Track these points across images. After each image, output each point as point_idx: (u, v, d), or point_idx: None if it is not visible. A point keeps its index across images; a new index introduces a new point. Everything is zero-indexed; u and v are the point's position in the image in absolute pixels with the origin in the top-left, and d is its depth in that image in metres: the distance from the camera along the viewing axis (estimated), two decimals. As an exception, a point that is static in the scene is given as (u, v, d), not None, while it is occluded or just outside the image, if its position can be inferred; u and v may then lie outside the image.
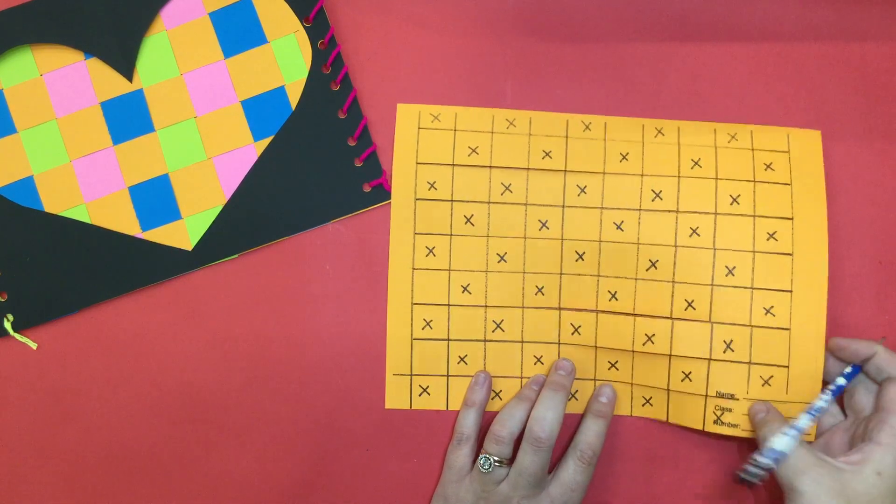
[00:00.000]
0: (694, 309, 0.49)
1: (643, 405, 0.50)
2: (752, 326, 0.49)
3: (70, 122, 0.50)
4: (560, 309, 0.50)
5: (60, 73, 0.50)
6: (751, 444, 0.48)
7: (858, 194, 0.50)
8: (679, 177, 0.50)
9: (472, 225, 0.50)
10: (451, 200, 0.50)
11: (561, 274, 0.50)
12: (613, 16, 0.51)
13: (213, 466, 0.50)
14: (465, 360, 0.50)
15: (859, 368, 0.47)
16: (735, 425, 0.48)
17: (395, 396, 0.50)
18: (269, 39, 0.51)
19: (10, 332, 0.50)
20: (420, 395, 0.50)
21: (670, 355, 0.49)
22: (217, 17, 0.50)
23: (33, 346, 0.50)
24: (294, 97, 0.50)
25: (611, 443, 0.50)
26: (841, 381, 0.47)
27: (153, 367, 0.50)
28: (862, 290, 0.50)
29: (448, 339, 0.50)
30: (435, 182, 0.50)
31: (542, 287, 0.50)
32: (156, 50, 0.50)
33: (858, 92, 0.51)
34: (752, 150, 0.50)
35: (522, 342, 0.50)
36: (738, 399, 0.48)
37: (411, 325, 0.50)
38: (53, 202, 0.50)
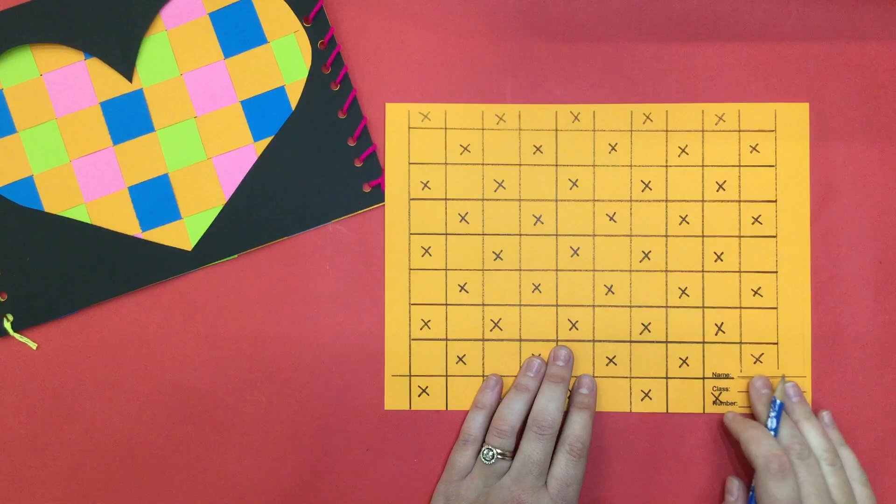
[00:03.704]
0: (688, 296, 0.50)
1: (642, 399, 0.50)
2: (742, 308, 0.50)
3: (70, 122, 0.50)
4: (557, 306, 0.50)
5: (60, 73, 0.50)
6: None
7: (858, 194, 0.50)
8: (667, 166, 0.51)
9: (467, 223, 0.50)
10: (445, 199, 0.51)
11: (557, 270, 0.50)
12: (613, 15, 0.51)
13: (213, 466, 0.50)
14: (463, 359, 0.50)
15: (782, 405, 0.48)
16: (732, 403, 0.50)
17: (395, 397, 0.50)
18: (269, 39, 0.51)
19: (10, 332, 0.50)
20: (419, 396, 0.50)
21: (667, 342, 0.50)
22: (217, 17, 0.50)
23: (33, 346, 0.50)
24: (294, 97, 0.51)
25: (611, 442, 0.50)
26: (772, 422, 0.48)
27: (153, 367, 0.50)
28: (862, 290, 0.50)
29: (446, 339, 0.50)
30: (428, 182, 0.51)
31: (539, 284, 0.50)
32: (156, 50, 0.50)
33: (858, 92, 0.51)
34: (739, 131, 0.51)
35: (521, 340, 0.50)
36: (733, 378, 0.50)
37: (409, 325, 0.50)
38: (53, 202, 0.50)
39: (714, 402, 0.50)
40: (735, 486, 0.49)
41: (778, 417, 0.48)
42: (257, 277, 0.51)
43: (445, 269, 0.51)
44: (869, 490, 0.48)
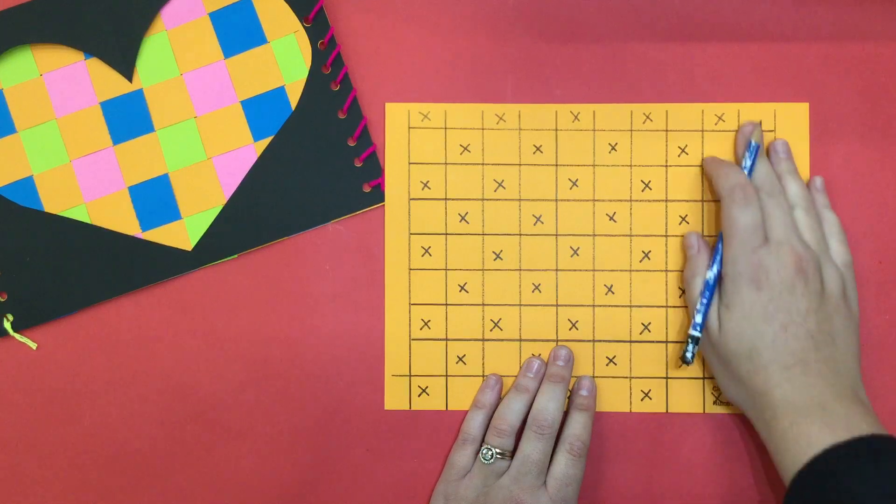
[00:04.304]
0: None
1: (642, 399, 0.50)
2: None
3: (70, 122, 0.50)
4: (557, 305, 0.50)
5: (60, 73, 0.50)
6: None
7: (858, 194, 0.50)
8: (667, 166, 0.51)
9: (467, 223, 0.50)
10: (445, 199, 0.51)
11: (557, 270, 0.50)
12: (613, 15, 0.51)
13: (213, 466, 0.50)
14: (463, 359, 0.50)
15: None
16: None
17: (395, 397, 0.50)
18: (269, 39, 0.51)
19: (10, 332, 0.50)
20: (419, 396, 0.50)
21: (667, 342, 0.50)
22: (217, 17, 0.50)
23: (33, 346, 0.50)
24: (294, 97, 0.51)
25: (611, 442, 0.50)
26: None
27: (153, 367, 0.50)
28: (862, 290, 0.50)
29: (446, 339, 0.50)
30: (428, 181, 0.51)
31: (539, 284, 0.50)
32: (156, 50, 0.50)
33: (858, 92, 0.51)
34: (739, 131, 0.50)
35: (521, 340, 0.50)
36: None
37: (409, 325, 0.50)
38: (53, 202, 0.50)
39: (714, 402, 0.50)
40: (694, 238, 0.49)
41: (753, 158, 0.48)
42: (257, 277, 0.51)
43: (445, 269, 0.51)
44: (846, 249, 0.47)
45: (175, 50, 0.50)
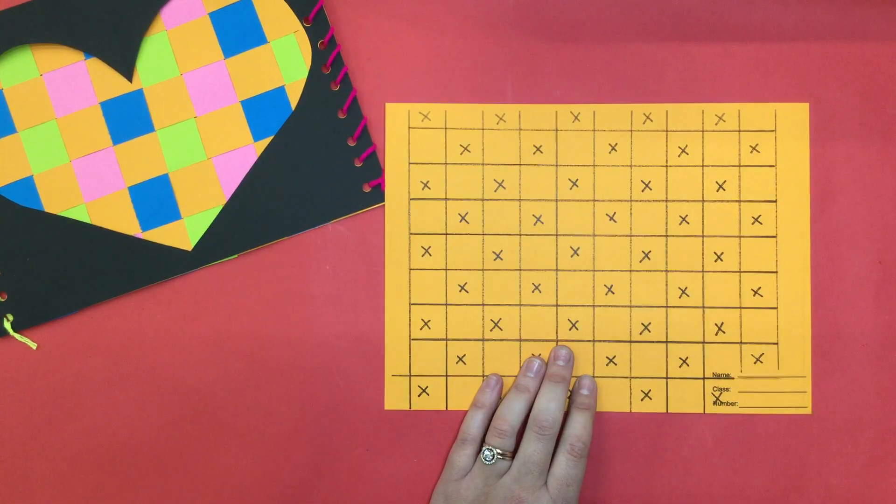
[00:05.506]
0: (688, 296, 0.50)
1: (642, 399, 0.50)
2: (742, 308, 0.50)
3: (70, 122, 0.50)
4: (557, 305, 0.50)
5: (60, 73, 0.50)
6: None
7: (858, 194, 0.50)
8: (667, 166, 0.51)
9: (467, 223, 0.50)
10: (445, 199, 0.51)
11: (557, 270, 0.50)
12: (613, 15, 0.51)
13: (213, 466, 0.50)
14: (463, 359, 0.50)
15: None
16: (733, 403, 0.50)
17: (395, 397, 0.50)
18: (269, 39, 0.51)
19: (10, 332, 0.50)
20: (419, 396, 0.51)
21: (667, 342, 0.50)
22: (217, 17, 0.50)
23: (33, 346, 0.50)
24: (294, 97, 0.51)
25: (611, 442, 0.50)
26: None
27: (153, 367, 0.50)
28: (862, 290, 0.50)
29: (446, 339, 0.50)
30: (428, 181, 0.51)
31: (539, 284, 0.50)
32: (156, 50, 0.50)
33: (858, 92, 0.51)
34: (739, 131, 0.51)
35: (521, 340, 0.50)
36: (733, 378, 0.50)
37: (409, 325, 0.50)
38: (53, 202, 0.50)
39: (714, 403, 0.50)
40: None
41: None
42: (257, 277, 0.51)
43: (445, 269, 0.51)
44: None
45: (175, 50, 0.50)
